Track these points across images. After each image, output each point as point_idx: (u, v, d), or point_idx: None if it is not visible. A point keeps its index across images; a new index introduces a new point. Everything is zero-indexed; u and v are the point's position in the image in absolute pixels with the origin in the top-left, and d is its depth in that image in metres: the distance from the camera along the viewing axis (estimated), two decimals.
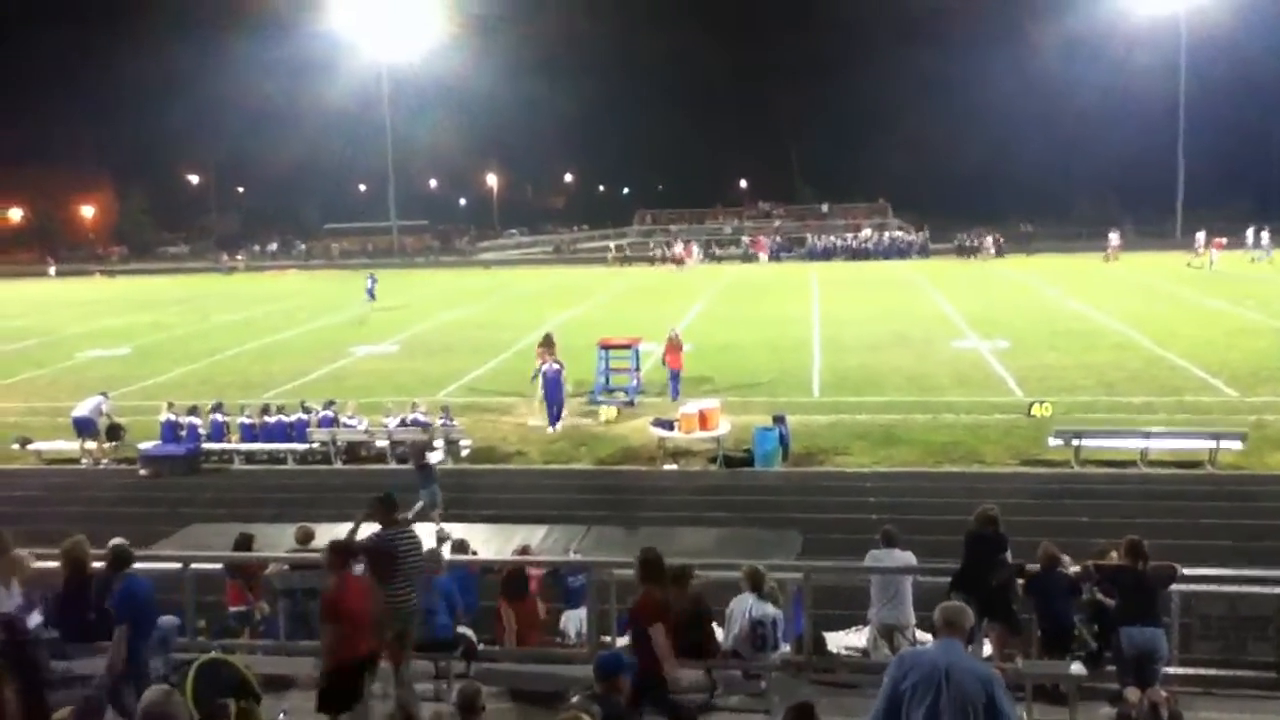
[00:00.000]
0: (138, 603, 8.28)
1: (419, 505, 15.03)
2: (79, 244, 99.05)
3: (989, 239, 64.76)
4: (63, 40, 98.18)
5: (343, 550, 8.37)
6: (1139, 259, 56.34)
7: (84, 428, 19.97)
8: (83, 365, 31.14)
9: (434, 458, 16.26)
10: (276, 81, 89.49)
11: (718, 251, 71.44)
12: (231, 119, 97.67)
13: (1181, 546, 11.41)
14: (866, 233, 71.16)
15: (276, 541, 13.09)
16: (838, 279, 51.29)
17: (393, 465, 19.22)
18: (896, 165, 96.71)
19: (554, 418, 21.02)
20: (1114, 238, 58.88)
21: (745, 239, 73.20)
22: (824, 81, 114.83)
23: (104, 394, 20.93)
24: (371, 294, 43.69)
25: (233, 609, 11.00)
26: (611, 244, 74.61)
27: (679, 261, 63.76)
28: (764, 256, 66.82)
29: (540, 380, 21.20)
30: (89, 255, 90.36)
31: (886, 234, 70.88)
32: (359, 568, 8.53)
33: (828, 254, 66.99)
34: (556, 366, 21.07)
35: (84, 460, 20.05)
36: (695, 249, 68.14)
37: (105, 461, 20.10)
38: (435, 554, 9.72)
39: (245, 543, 11.40)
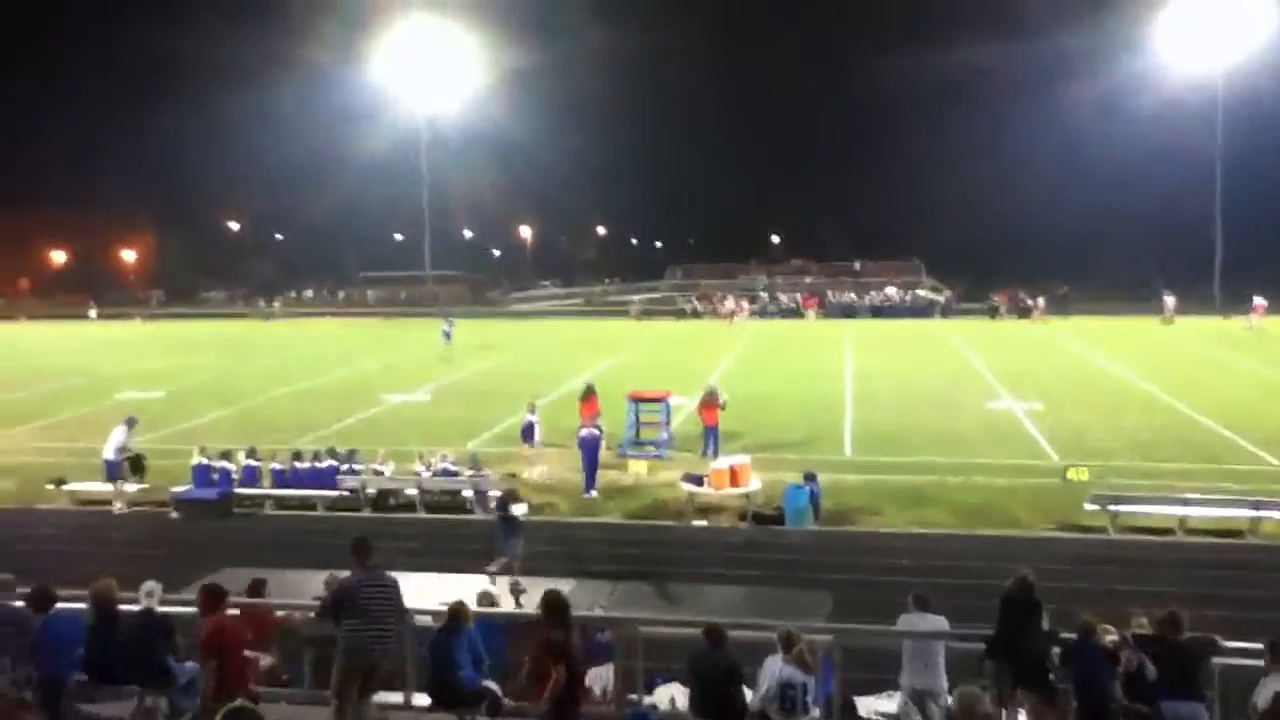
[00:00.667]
0: (51, 643, 8.68)
1: (502, 560, 14.81)
2: (120, 287, 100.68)
3: (1005, 299, 65.14)
4: (109, 89, 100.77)
5: (214, 593, 8.98)
6: (1185, 322, 55.92)
7: (111, 472, 19.95)
8: (119, 407, 31.40)
9: (519, 510, 15.69)
10: (316, 130, 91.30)
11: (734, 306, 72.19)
12: (271, 167, 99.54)
13: (1222, 618, 11.17)
14: (891, 291, 71.38)
15: (304, 589, 13.08)
16: (872, 335, 51.21)
17: (422, 514, 19.23)
18: (932, 224, 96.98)
19: (590, 481, 20.28)
20: (1170, 300, 57.98)
21: (765, 295, 73.76)
22: (859, 140, 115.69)
23: (129, 421, 20.66)
24: (448, 335, 46.39)
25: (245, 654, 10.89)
26: (635, 298, 75.13)
27: (729, 316, 63.51)
28: (812, 314, 67.13)
29: (577, 443, 20.66)
30: (129, 299, 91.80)
31: (909, 293, 71.16)
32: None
33: (848, 312, 67.35)
34: (596, 432, 20.45)
35: (115, 505, 19.87)
36: (746, 305, 68.20)
37: (122, 506, 19.70)
38: (461, 607, 9.60)
39: (258, 588, 11.24)
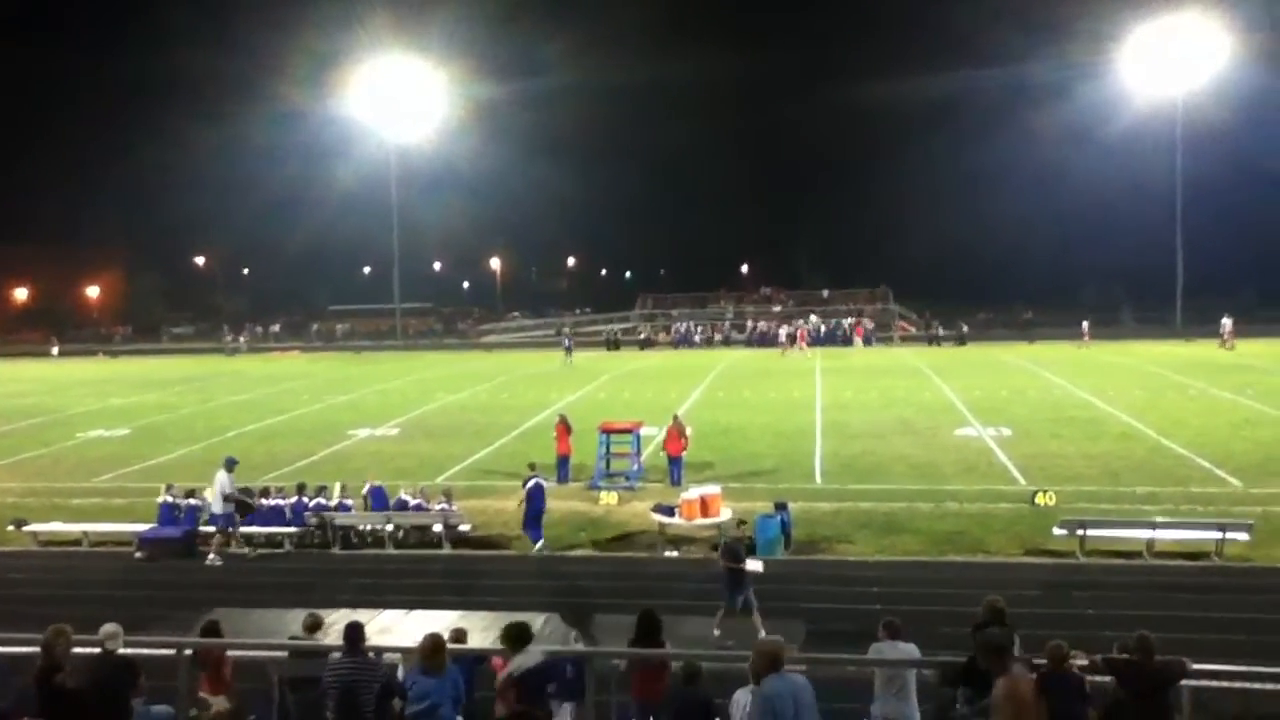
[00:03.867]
0: None
1: (720, 613, 14.13)
2: (84, 324, 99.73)
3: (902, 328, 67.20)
4: (77, 125, 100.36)
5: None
6: (1141, 348, 56.58)
7: (220, 523, 18.90)
8: (83, 445, 31.09)
9: (752, 565, 14.41)
10: (285, 165, 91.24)
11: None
12: (240, 202, 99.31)
13: (1190, 640, 11.23)
14: (814, 320, 71.75)
15: (271, 628, 12.92)
16: (842, 366, 51.52)
17: (391, 550, 19.05)
18: (900, 252, 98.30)
19: (537, 531, 18.80)
20: (1227, 323, 55.41)
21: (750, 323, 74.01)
22: (829, 170, 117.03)
23: (228, 463, 19.26)
24: (569, 350, 54.90)
25: (203, 696, 10.66)
26: (566, 328, 75.77)
27: (791, 341, 61.05)
28: (860, 341, 66.81)
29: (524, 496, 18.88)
30: (93, 335, 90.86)
31: (825, 322, 71.81)
32: None
33: (764, 340, 67.70)
34: (544, 483, 19.22)
35: (211, 556, 18.70)
36: (809, 332, 65.17)
37: (224, 550, 18.78)
38: (441, 643, 9.37)
39: (212, 630, 10.98)
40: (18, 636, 9.74)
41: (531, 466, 19.63)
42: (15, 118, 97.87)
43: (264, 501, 19.91)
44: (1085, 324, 59.56)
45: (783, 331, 64.66)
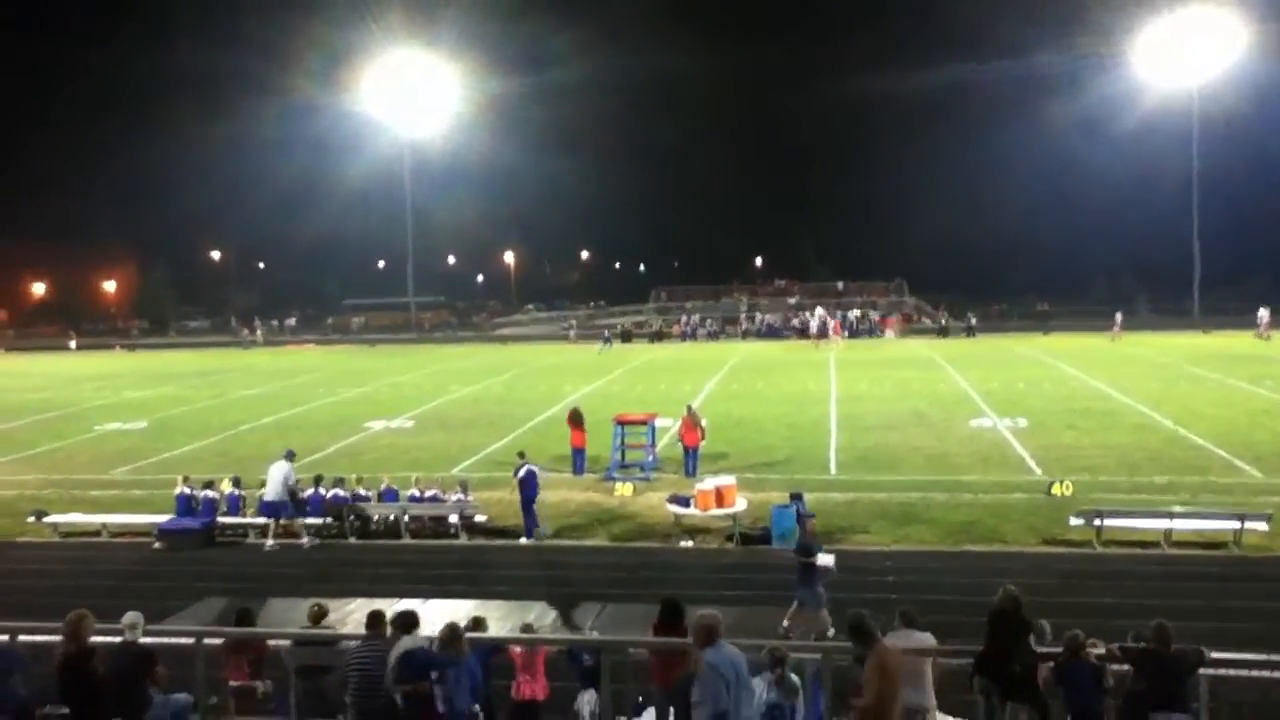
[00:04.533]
0: None
1: (794, 606, 13.89)
2: (100, 318, 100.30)
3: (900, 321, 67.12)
4: (90, 119, 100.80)
5: None
6: (1158, 339, 56.27)
7: (275, 511, 19.16)
8: (100, 438, 31.27)
9: (824, 560, 14.24)
10: (299, 159, 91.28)
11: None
12: (254, 196, 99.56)
13: (1208, 629, 11.20)
14: (820, 312, 70.86)
15: (288, 618, 12.99)
16: (857, 358, 51.41)
17: (408, 540, 19.13)
18: (915, 244, 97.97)
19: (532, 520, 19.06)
20: (1264, 314, 54.41)
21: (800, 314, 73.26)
22: (842, 162, 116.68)
23: (288, 455, 19.81)
24: (608, 343, 60.67)
25: (232, 684, 10.77)
26: (573, 320, 75.75)
27: (822, 336, 60.01)
28: (891, 333, 66.39)
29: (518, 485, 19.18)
30: (109, 329, 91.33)
31: (831, 315, 70.80)
32: None
33: (772, 332, 68.25)
34: (535, 469, 19.33)
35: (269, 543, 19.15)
36: (843, 324, 64.37)
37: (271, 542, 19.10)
38: (458, 631, 9.43)
39: (246, 618, 11.19)
40: (39, 626, 9.83)
41: (521, 455, 19.70)
42: (28, 112, 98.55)
43: None
44: (1119, 316, 57.95)
45: (813, 323, 63.90)
